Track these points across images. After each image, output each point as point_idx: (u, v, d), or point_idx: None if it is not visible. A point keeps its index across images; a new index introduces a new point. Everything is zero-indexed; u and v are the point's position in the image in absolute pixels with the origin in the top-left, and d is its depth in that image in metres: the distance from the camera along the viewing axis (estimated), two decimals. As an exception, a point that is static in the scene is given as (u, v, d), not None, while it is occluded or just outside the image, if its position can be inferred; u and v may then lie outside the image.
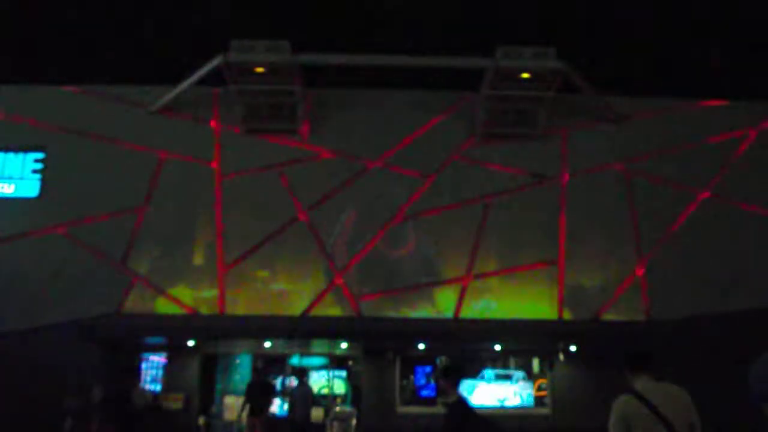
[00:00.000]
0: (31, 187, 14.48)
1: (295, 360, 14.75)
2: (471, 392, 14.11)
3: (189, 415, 13.56)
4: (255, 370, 12.55)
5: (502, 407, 14.05)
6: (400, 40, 19.04)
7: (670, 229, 14.47)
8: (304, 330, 13.72)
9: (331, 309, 14.04)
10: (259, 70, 13.71)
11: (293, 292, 14.15)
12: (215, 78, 14.06)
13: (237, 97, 14.35)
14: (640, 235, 14.46)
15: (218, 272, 14.07)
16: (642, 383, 3.99)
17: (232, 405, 13.59)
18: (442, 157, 14.86)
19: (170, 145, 14.69)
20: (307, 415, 11.65)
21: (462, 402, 4.82)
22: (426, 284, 14.28)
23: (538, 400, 14.30)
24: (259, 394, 11.54)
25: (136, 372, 14.01)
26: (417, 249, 14.46)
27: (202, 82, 14.31)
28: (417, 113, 15.14)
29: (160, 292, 13.89)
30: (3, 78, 15.32)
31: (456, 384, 4.93)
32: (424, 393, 14.38)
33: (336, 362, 15.00)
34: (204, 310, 13.87)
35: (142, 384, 13.88)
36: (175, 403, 13.65)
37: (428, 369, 14.57)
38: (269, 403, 12.02)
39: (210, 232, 14.29)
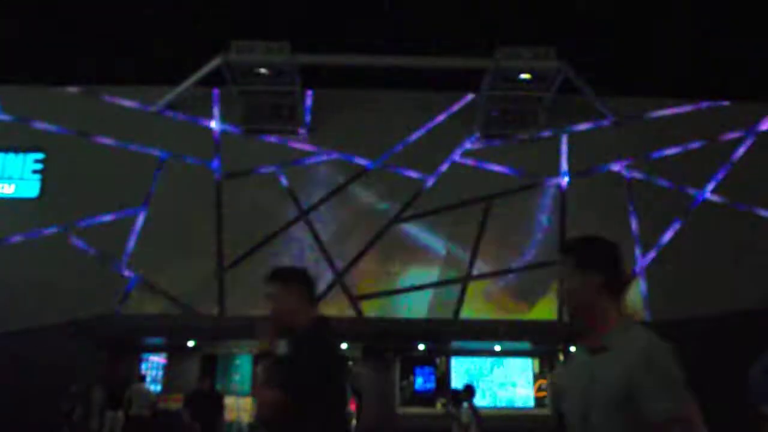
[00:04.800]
0: (31, 188, 14.47)
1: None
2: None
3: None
4: (203, 376, 9.91)
5: (504, 407, 14.07)
6: (400, 40, 19.04)
7: (670, 229, 14.47)
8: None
9: (332, 309, 14.03)
10: (260, 70, 13.73)
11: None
12: (215, 78, 14.08)
13: (237, 97, 14.36)
14: (640, 235, 14.45)
15: (218, 272, 14.06)
16: None
17: (231, 406, 13.60)
18: (442, 157, 14.86)
19: (170, 145, 14.69)
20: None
21: None
22: (426, 284, 14.27)
23: (538, 400, 14.30)
24: (204, 406, 8.95)
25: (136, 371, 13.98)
26: (417, 249, 14.44)
27: (202, 82, 14.32)
28: (417, 113, 15.13)
29: (160, 292, 13.88)
30: (4, 78, 15.32)
31: None
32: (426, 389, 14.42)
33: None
34: (204, 311, 13.86)
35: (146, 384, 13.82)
36: (175, 403, 13.66)
37: (428, 369, 14.60)
38: (220, 418, 9.65)
39: (210, 233, 14.28)
